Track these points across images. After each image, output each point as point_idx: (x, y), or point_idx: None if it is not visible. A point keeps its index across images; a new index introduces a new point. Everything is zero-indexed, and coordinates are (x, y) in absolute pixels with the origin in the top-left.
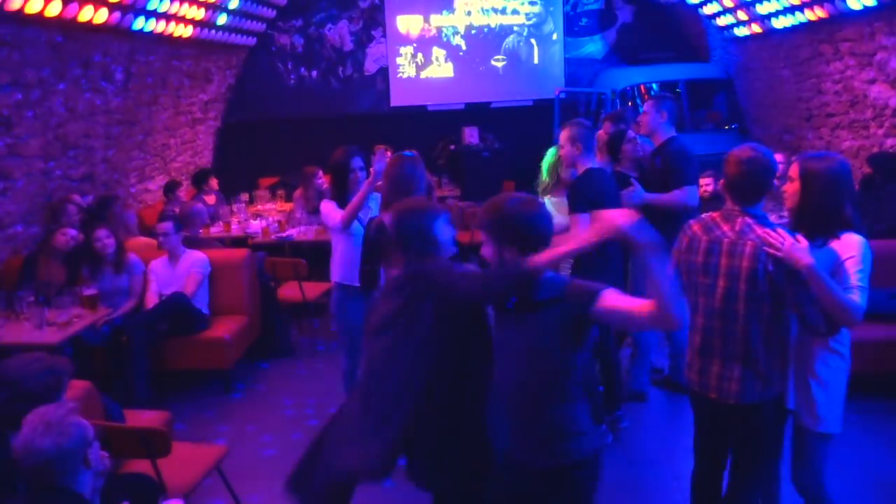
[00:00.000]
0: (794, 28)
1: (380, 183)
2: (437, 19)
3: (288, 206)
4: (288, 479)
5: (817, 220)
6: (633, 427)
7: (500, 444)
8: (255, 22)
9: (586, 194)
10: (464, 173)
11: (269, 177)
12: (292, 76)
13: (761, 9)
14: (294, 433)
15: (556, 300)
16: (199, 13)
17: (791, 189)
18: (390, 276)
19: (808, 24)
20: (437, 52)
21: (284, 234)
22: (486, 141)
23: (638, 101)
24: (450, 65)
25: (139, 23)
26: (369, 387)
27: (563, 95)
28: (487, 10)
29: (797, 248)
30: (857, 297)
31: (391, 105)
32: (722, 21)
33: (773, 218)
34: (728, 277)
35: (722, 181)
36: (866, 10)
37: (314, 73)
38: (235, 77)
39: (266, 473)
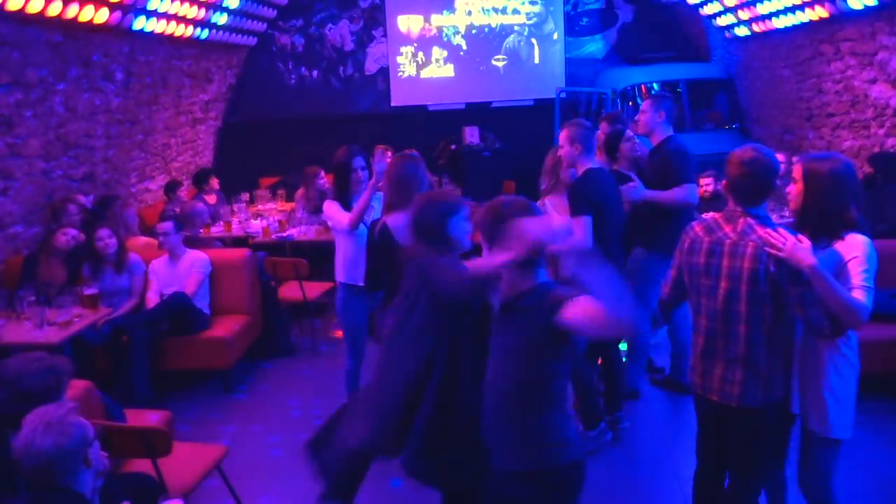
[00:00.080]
0: (794, 28)
1: (381, 184)
2: (437, 19)
3: (288, 206)
4: (307, 443)
5: (821, 222)
6: (633, 427)
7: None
8: (255, 22)
9: (587, 195)
10: (464, 173)
11: (269, 176)
12: (293, 76)
13: (762, 8)
14: (300, 433)
15: (535, 307)
16: (199, 13)
17: (795, 190)
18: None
19: (809, 24)
20: (438, 52)
21: (285, 234)
22: (487, 141)
23: (638, 100)
24: (450, 64)
25: (139, 22)
26: (380, 364)
27: (563, 95)
28: (488, 10)
29: (800, 248)
30: (861, 298)
31: (392, 105)
32: (722, 21)
33: (774, 217)
34: (730, 279)
35: (724, 182)
36: (867, 9)
37: (315, 73)
38: (236, 77)
39: (273, 473)
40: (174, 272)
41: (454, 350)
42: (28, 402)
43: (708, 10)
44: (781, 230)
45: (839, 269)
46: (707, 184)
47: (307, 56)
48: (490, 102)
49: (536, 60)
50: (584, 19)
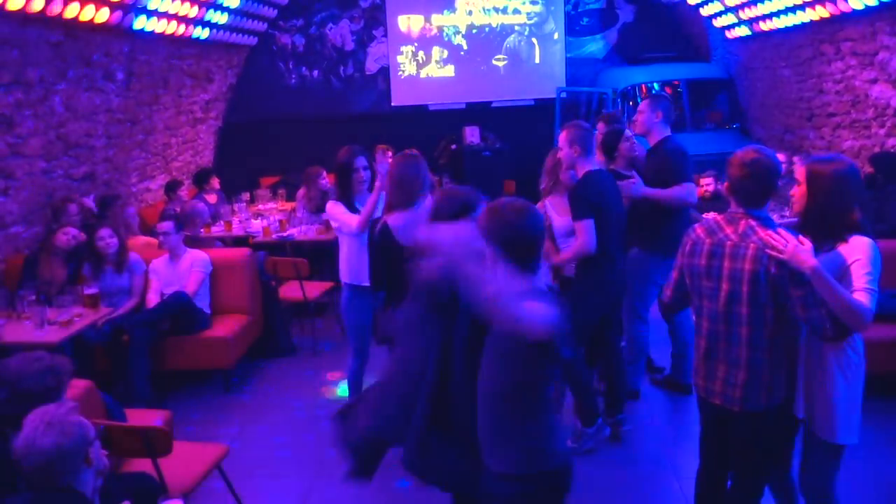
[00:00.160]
0: (795, 28)
1: (382, 183)
2: (438, 19)
3: (289, 206)
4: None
5: (824, 224)
6: (633, 427)
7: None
8: (256, 21)
9: (588, 199)
10: (465, 173)
11: (270, 176)
12: (293, 76)
13: (762, 8)
14: (305, 434)
15: None
16: (198, 12)
17: (798, 192)
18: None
19: (810, 24)
20: (438, 52)
21: (285, 234)
22: (488, 140)
23: (639, 100)
24: (451, 64)
25: (140, 22)
26: (390, 355)
27: (564, 95)
28: (488, 10)
29: (801, 249)
30: (864, 300)
31: (392, 105)
32: (723, 21)
33: (774, 217)
34: (731, 280)
35: (726, 184)
36: (868, 9)
37: (315, 73)
38: (236, 76)
39: (278, 473)
40: (174, 272)
41: (447, 347)
42: (28, 403)
43: (708, 10)
44: (783, 232)
45: (842, 271)
46: (707, 184)
47: (308, 56)
48: (490, 102)
49: (537, 60)
50: (585, 19)
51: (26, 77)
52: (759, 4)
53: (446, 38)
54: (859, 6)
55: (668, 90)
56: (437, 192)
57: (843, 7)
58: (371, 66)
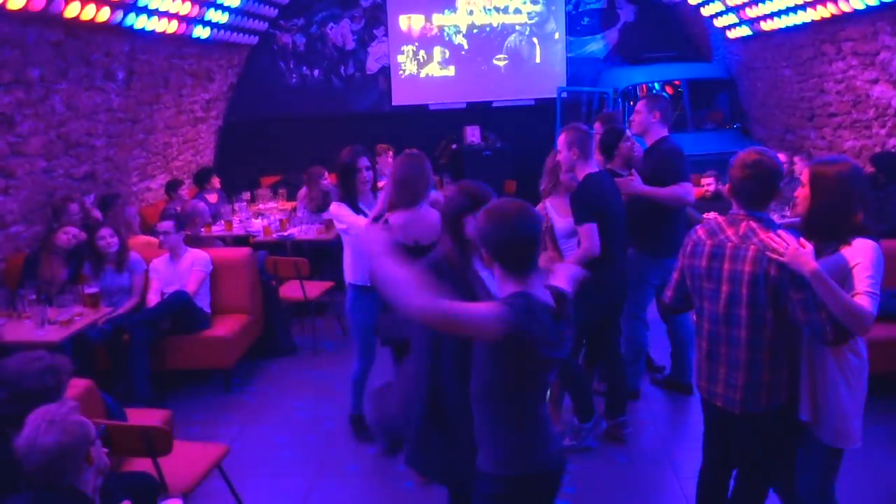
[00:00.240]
0: (796, 28)
1: (381, 183)
2: (438, 18)
3: (289, 205)
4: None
5: (827, 226)
6: (634, 427)
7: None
8: (257, 21)
9: (589, 202)
10: (465, 173)
11: (270, 175)
12: (294, 75)
13: (763, 8)
14: (307, 434)
15: None
16: (200, 12)
17: (802, 194)
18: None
19: (811, 24)
20: (439, 52)
21: (286, 233)
22: (488, 140)
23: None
24: (452, 64)
25: (141, 21)
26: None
27: (565, 95)
28: (489, 10)
29: (801, 252)
30: (865, 303)
31: (393, 104)
32: (724, 21)
33: (774, 218)
34: (731, 282)
35: (727, 185)
36: (869, 9)
37: (316, 72)
38: (237, 76)
39: (279, 473)
40: (175, 271)
41: (437, 344)
42: (28, 402)
43: (709, 9)
44: (783, 233)
45: (843, 274)
46: (708, 184)
47: (308, 55)
48: (491, 102)
49: (538, 60)
50: (586, 19)
51: (27, 76)
52: (760, 4)
53: (447, 38)
54: (860, 6)
55: (668, 90)
56: (451, 186)
57: (844, 7)
58: (372, 66)
